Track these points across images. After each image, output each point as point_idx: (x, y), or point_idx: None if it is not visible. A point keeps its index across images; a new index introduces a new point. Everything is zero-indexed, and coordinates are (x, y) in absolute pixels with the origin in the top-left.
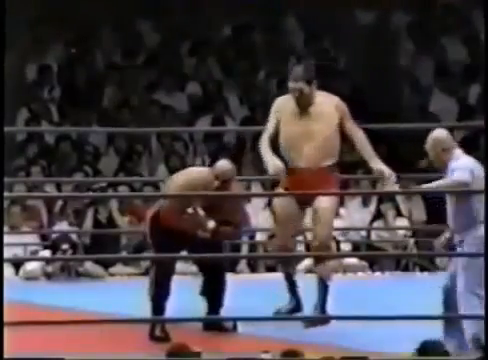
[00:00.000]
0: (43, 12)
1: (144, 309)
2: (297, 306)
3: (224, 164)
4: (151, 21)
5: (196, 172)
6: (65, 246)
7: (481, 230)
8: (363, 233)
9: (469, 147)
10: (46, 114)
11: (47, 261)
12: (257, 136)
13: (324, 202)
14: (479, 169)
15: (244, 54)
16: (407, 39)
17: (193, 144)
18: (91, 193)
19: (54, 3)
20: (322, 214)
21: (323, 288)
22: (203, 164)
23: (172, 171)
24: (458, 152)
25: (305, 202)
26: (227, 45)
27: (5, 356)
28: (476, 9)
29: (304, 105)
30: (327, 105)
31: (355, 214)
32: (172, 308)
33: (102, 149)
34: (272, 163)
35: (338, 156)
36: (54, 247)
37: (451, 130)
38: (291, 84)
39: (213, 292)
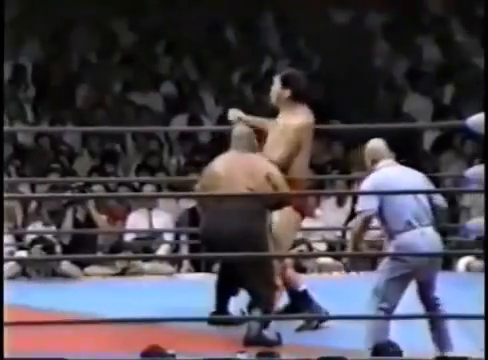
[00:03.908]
0: (17, 11)
1: (121, 309)
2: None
3: None
4: (126, 20)
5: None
6: (40, 246)
7: (399, 240)
8: (338, 233)
9: (443, 147)
10: (20, 114)
11: (24, 261)
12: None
13: (276, 216)
14: (396, 179)
15: (219, 54)
16: (382, 39)
17: (168, 144)
18: (68, 193)
19: (29, 2)
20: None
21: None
22: (178, 164)
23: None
24: (380, 166)
25: None
26: (202, 45)
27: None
28: (451, 9)
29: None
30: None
31: (330, 214)
32: (151, 308)
33: (77, 149)
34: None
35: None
36: (29, 248)
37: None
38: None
39: None
